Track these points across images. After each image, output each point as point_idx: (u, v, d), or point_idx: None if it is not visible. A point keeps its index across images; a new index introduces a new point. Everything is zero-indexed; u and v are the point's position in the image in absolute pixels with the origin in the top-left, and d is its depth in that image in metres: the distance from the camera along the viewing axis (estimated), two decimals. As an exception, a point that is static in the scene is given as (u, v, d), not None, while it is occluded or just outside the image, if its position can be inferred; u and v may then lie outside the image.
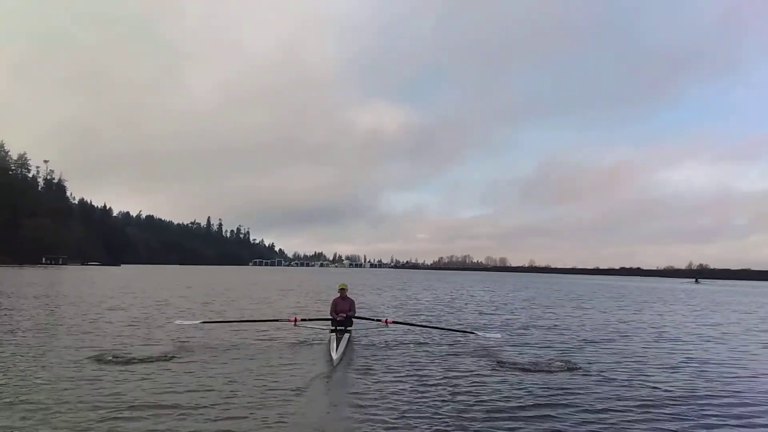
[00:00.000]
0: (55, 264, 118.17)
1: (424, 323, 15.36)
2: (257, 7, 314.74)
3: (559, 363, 9.97)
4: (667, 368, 9.88)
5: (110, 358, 9.40)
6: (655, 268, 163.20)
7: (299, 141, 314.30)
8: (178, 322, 12.90)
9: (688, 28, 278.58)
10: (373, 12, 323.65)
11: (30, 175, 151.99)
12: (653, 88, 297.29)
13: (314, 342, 11.87)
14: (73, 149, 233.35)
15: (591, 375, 9.05)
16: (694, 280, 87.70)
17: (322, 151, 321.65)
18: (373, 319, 13.17)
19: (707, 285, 70.96)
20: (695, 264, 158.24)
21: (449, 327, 14.56)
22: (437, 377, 8.67)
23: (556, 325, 16.61)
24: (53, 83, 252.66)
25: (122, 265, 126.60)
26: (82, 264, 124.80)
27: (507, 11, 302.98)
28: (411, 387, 7.97)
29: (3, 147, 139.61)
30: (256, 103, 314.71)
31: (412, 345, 11.88)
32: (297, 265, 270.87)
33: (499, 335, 12.64)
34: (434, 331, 13.69)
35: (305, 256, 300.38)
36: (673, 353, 11.70)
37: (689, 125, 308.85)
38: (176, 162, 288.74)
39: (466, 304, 25.88)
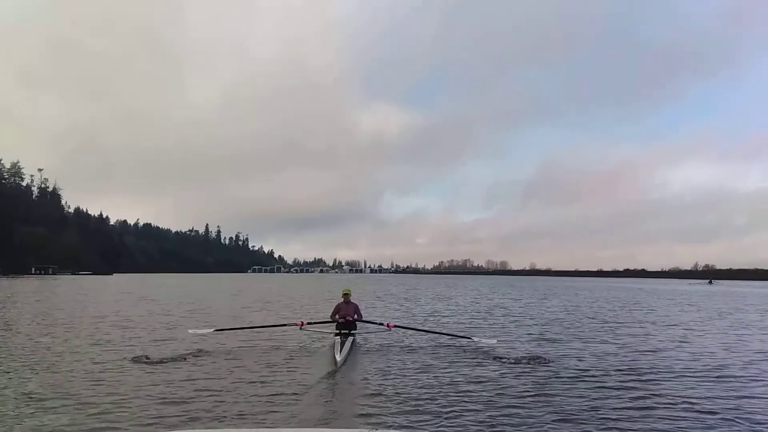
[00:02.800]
0: (45, 274, 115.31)
1: (424, 327, 16.02)
2: (259, 11, 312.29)
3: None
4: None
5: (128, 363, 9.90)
6: (660, 269, 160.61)
7: (299, 146, 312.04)
8: (191, 330, 13.09)
9: (689, 25, 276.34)
10: (375, 15, 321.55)
11: (24, 183, 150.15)
12: (654, 88, 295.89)
13: (319, 345, 12.34)
14: (72, 157, 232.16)
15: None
16: (707, 281, 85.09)
17: (322, 156, 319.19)
18: (375, 323, 13.55)
19: (722, 286, 68.38)
20: (701, 264, 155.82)
21: (449, 332, 14.55)
22: (438, 379, 8.93)
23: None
24: (54, 90, 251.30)
25: (115, 274, 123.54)
26: (73, 273, 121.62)
27: (508, 13, 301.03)
28: (412, 387, 8.31)
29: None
30: (256, 108, 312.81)
31: (413, 348, 12.32)
32: (296, 272, 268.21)
33: (494, 340, 13.00)
34: (434, 334, 14.07)
35: (305, 263, 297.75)
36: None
37: (691, 124, 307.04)
38: (176, 169, 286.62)
39: (514, 321, 19.24)
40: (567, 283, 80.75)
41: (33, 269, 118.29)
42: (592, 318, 20.76)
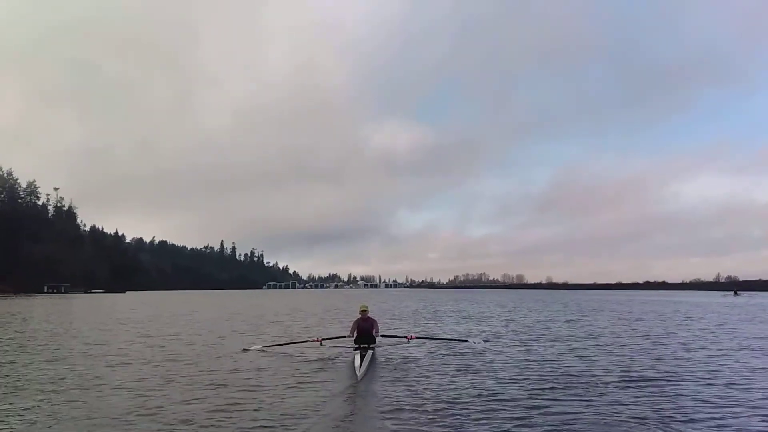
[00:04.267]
0: (57, 292, 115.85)
1: (444, 336, 16.89)
2: (271, 29, 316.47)
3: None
4: None
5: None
6: (680, 282, 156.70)
7: (311, 163, 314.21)
8: (244, 347, 14.24)
9: (701, 38, 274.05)
10: (388, 36, 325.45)
11: (40, 202, 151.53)
12: (667, 101, 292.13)
13: (339, 360, 12.49)
14: (88, 175, 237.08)
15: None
16: (732, 292, 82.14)
17: (335, 173, 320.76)
18: (397, 336, 14.40)
19: (749, 298, 65.71)
20: (723, 276, 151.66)
21: (467, 338, 15.73)
22: (457, 391, 9.01)
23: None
24: (72, 111, 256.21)
25: (128, 292, 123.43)
26: (86, 292, 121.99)
27: (518, 29, 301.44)
28: (432, 399, 8.40)
29: (12, 175, 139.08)
30: (269, 127, 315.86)
31: (432, 360, 12.47)
32: (311, 287, 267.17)
33: (486, 342, 14.54)
34: (455, 344, 14.88)
35: (319, 278, 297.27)
36: None
37: (704, 136, 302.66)
38: (190, 186, 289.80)
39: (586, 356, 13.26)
40: (591, 296, 77.58)
41: (45, 288, 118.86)
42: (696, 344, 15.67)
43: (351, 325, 13.25)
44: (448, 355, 13.20)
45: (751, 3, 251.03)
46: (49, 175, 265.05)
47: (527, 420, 7.10)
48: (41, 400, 8.30)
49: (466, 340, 15.01)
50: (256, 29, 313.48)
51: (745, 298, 66.67)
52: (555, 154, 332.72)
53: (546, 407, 7.76)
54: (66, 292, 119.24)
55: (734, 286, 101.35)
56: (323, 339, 13.44)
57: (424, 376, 10.41)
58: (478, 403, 8.04)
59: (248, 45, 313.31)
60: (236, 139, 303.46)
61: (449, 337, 16.69)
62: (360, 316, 12.95)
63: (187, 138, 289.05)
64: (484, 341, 15.27)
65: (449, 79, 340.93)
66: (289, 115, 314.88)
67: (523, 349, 14.29)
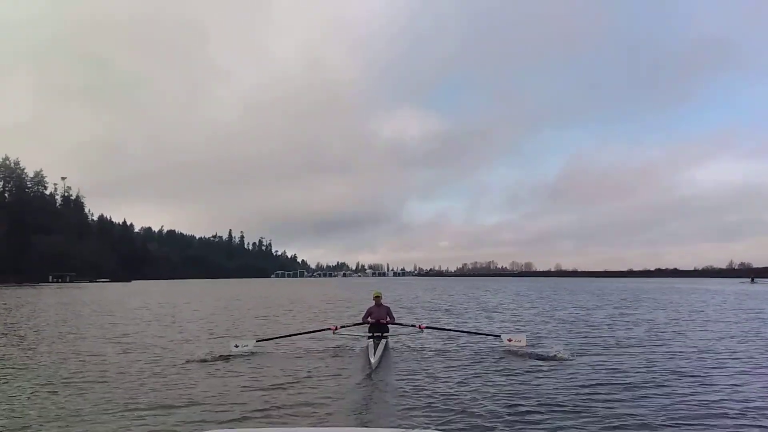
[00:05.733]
0: (62, 281, 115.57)
1: (455, 327, 16.34)
2: (282, 19, 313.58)
3: None
4: None
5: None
6: (692, 269, 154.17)
7: (321, 152, 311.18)
8: (235, 343, 13.21)
9: (713, 23, 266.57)
10: (401, 29, 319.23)
11: (48, 192, 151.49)
12: (677, 86, 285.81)
13: (353, 348, 12.57)
14: (99, 166, 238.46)
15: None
16: (749, 280, 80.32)
17: (345, 161, 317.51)
18: (408, 325, 14.08)
19: (766, 286, 64.02)
20: (736, 263, 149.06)
21: (478, 331, 15.03)
22: (470, 379, 9.07)
23: None
24: (83, 103, 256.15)
25: (133, 281, 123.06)
26: (91, 281, 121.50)
27: (530, 17, 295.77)
28: (446, 387, 8.47)
29: (19, 165, 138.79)
30: (280, 119, 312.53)
31: (445, 349, 12.57)
32: (319, 276, 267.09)
33: (523, 337, 12.73)
34: (465, 334, 14.46)
35: (328, 267, 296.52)
36: None
37: (716, 122, 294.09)
38: (199, 176, 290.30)
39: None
40: (606, 284, 76.38)
41: (51, 277, 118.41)
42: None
43: (363, 312, 13.31)
44: (462, 345, 13.04)
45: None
46: (62, 170, 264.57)
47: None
48: None
49: (499, 336, 12.95)
50: (267, 23, 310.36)
51: (763, 285, 64.97)
52: (566, 142, 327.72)
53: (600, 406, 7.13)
54: (71, 281, 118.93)
55: (750, 272, 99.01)
56: (339, 327, 13.21)
57: (439, 366, 10.31)
58: (498, 399, 7.79)
59: (259, 39, 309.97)
60: (246, 132, 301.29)
61: (474, 330, 15.21)
62: (374, 302, 12.88)
63: (198, 131, 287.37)
64: (521, 341, 12.41)
65: (459, 71, 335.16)
66: (300, 108, 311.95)
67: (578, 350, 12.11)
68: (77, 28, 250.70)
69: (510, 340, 12.47)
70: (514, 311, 25.39)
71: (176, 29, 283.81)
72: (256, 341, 13.11)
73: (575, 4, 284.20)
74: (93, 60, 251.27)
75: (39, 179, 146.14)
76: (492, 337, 13.33)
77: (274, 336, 14.18)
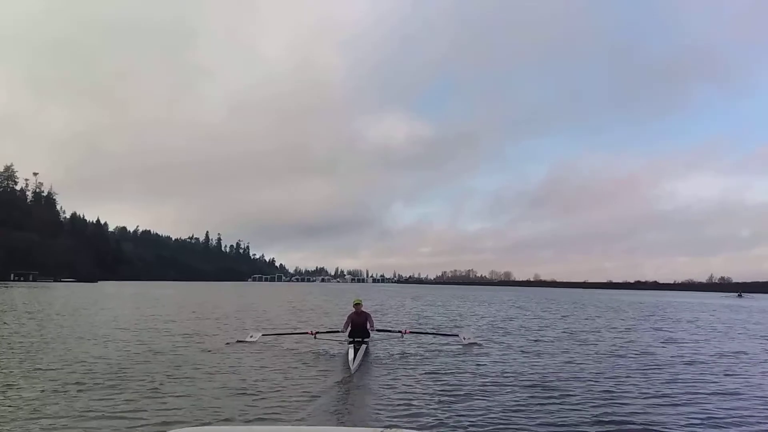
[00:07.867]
0: (24, 281, 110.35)
1: (438, 332, 16.89)
2: (269, 19, 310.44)
3: None
4: None
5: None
6: (672, 282, 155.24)
7: (303, 155, 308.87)
8: (238, 339, 14.25)
9: (696, 37, 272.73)
10: (388, 32, 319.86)
11: (18, 188, 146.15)
12: (661, 100, 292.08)
13: (333, 352, 12.55)
14: (76, 163, 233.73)
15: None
16: (737, 294, 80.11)
17: (327, 165, 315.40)
18: (391, 331, 14.65)
19: (753, 301, 63.47)
20: (716, 277, 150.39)
21: (463, 336, 15.25)
22: (448, 382, 9.28)
23: None
24: (59, 98, 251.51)
25: (100, 282, 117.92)
26: (56, 280, 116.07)
27: (516, 26, 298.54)
28: (424, 390, 8.64)
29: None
30: (264, 119, 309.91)
31: (425, 354, 12.69)
32: (297, 281, 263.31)
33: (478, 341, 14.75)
34: (449, 339, 14.97)
35: (306, 272, 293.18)
36: None
37: (697, 137, 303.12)
38: (179, 176, 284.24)
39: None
40: (587, 296, 75.42)
41: (12, 276, 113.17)
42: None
43: (345, 319, 13.31)
44: (441, 349, 13.38)
45: (746, 1, 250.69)
46: (37, 166, 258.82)
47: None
48: None
49: (457, 336, 15.43)
50: (254, 23, 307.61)
51: (750, 300, 64.46)
52: (549, 150, 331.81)
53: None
54: (34, 280, 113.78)
55: (737, 287, 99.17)
56: (318, 332, 13.48)
57: (418, 370, 10.47)
58: (475, 397, 8.16)
59: (246, 39, 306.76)
60: (230, 132, 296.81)
61: (442, 332, 16.81)
62: (353, 310, 12.98)
63: (180, 130, 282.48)
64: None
65: (446, 75, 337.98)
66: (285, 108, 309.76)
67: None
68: (59, 22, 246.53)
69: (466, 338, 14.83)
70: (507, 321, 23.07)
71: (162, 27, 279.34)
72: (238, 341, 13.87)
73: (561, 13, 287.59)
74: (74, 55, 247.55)
75: (9, 174, 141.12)
76: (453, 338, 15.15)
77: (265, 332, 14.83)
